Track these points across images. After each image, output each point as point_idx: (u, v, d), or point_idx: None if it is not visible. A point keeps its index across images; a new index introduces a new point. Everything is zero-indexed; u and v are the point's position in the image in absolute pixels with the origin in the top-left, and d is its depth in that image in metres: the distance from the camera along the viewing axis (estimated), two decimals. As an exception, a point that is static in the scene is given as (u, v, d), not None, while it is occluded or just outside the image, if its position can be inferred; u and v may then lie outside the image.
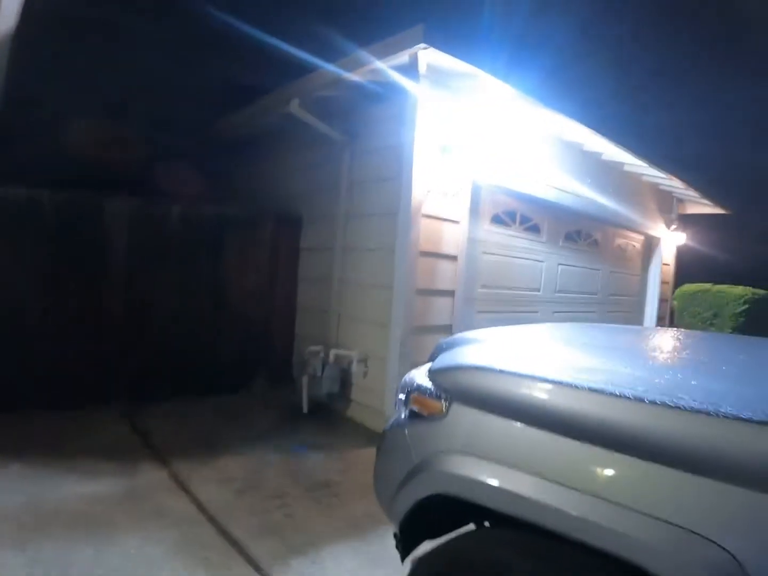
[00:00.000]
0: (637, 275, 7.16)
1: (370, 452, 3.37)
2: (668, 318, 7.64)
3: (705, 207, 7.59)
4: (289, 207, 4.95)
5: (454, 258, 3.97)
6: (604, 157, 5.51)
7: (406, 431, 1.55)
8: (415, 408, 1.55)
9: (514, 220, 4.80)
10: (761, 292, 7.58)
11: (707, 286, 7.76)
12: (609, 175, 5.78)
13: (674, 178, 6.04)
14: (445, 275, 3.94)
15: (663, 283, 7.36)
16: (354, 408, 4.14)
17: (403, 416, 1.62)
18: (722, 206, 7.42)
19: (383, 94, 3.82)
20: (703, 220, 8.28)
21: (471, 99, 3.88)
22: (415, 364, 3.75)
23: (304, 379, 4.11)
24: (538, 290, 5.21)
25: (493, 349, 1.65)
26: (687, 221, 7.75)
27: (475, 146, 3.89)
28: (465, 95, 3.85)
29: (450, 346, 1.83)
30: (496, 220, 4.58)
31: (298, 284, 4.99)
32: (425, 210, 3.68)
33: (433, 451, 1.40)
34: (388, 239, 3.79)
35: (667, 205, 7.22)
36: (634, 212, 6.39)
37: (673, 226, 7.30)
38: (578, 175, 5.22)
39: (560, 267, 5.46)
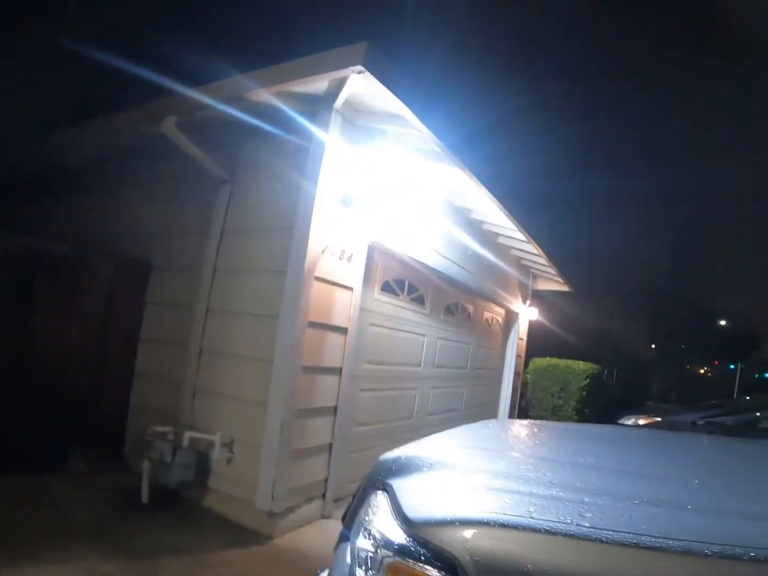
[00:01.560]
0: (497, 349, 7.39)
1: (240, 554, 2.66)
2: (520, 391, 8.00)
3: (554, 284, 8.30)
4: (137, 250, 3.94)
5: (344, 330, 3.40)
6: (485, 227, 5.59)
7: None
8: None
9: (402, 290, 4.45)
10: (596, 366, 8.43)
11: (556, 360, 8.40)
12: (485, 247, 5.84)
13: (541, 255, 6.39)
14: (334, 350, 3.33)
15: (518, 356, 7.72)
16: (213, 497, 3.20)
17: None
18: (568, 284, 8.18)
19: (285, 125, 3.20)
20: (551, 295, 9.11)
21: (379, 146, 3.46)
22: (299, 452, 3.11)
23: (145, 464, 3.08)
24: (419, 365, 4.88)
25: (484, 482, 1.30)
26: (537, 297, 8.38)
27: (375, 202, 3.45)
28: (375, 141, 3.44)
29: (405, 471, 1.45)
30: (386, 288, 4.18)
31: (139, 345, 3.92)
32: (319, 272, 3.09)
33: None
34: (271, 303, 3.09)
35: (524, 281, 7.70)
36: (501, 286, 6.62)
37: (528, 302, 7.81)
38: (463, 246, 5.15)
39: (439, 341, 5.25)
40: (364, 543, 1.21)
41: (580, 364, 8.26)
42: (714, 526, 1.05)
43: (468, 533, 1.03)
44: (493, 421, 2.58)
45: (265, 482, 2.93)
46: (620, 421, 7.67)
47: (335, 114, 3.08)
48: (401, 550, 1.09)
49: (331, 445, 3.36)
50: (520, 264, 7.32)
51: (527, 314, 7.76)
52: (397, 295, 4.36)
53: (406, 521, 1.13)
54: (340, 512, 3.48)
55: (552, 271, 7.35)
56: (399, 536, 1.11)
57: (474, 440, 1.91)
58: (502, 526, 1.02)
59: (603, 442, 2.24)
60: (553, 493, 1.20)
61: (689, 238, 25.79)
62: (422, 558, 1.06)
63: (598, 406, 8.42)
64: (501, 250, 6.46)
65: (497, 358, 7.38)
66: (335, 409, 3.37)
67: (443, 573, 1.01)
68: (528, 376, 8.40)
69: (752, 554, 0.88)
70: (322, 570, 1.53)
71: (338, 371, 3.38)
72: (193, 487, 3.22)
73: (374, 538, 1.17)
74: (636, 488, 1.33)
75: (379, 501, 1.32)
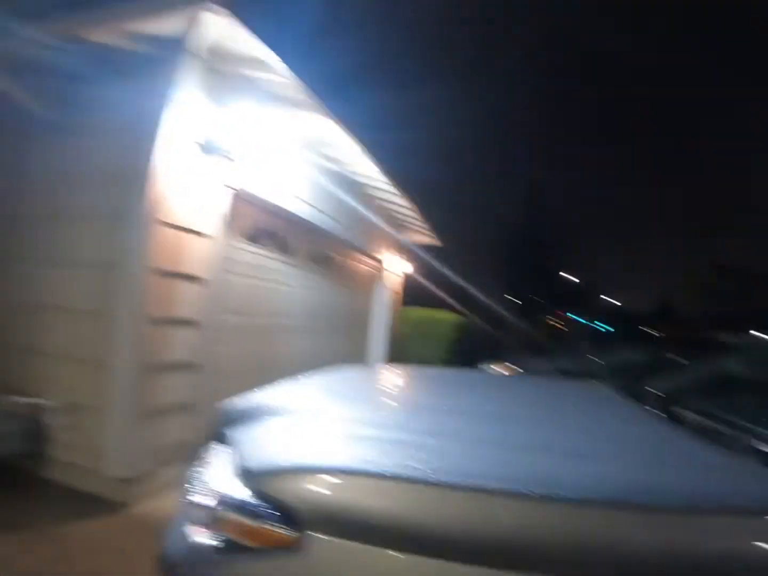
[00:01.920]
0: (368, 300, 7.57)
1: (90, 526, 2.44)
2: (391, 341, 8.33)
3: (424, 237, 8.64)
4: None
5: (201, 280, 3.19)
6: (355, 178, 5.55)
7: (227, 572, 1.03)
8: (235, 537, 1.03)
9: (268, 239, 4.29)
10: (461, 317, 9.01)
11: (426, 312, 8.76)
12: (354, 197, 5.82)
13: (414, 209, 6.56)
14: (190, 300, 3.12)
15: (388, 308, 8.00)
16: (59, 468, 2.88)
17: (206, 543, 1.06)
18: (437, 238, 8.57)
19: (131, 60, 2.82)
20: (422, 250, 9.50)
21: (245, 94, 3.22)
22: (150, 413, 2.91)
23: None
24: (288, 318, 4.82)
25: (328, 429, 1.30)
26: (408, 251, 8.67)
27: (239, 150, 3.23)
28: (240, 88, 3.19)
29: (246, 419, 1.39)
30: (251, 237, 3.99)
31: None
32: (168, 216, 2.82)
33: None
34: (109, 250, 2.78)
35: (396, 234, 7.88)
36: (373, 238, 6.72)
37: (399, 255, 8.06)
38: (332, 196, 5.08)
39: (308, 292, 5.21)
40: (200, 499, 1.16)
41: (449, 316, 8.67)
42: (540, 465, 1.11)
43: (305, 482, 1.00)
44: (347, 367, 2.52)
45: (115, 447, 2.72)
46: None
47: (192, 57, 2.82)
48: (237, 505, 1.04)
49: (192, 404, 3.20)
50: (391, 217, 7.44)
51: (398, 267, 8.03)
52: (262, 244, 4.20)
53: (243, 473, 1.08)
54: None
55: (422, 225, 7.62)
56: (236, 489, 1.06)
57: (324, 386, 1.89)
58: (340, 473, 1.01)
59: (453, 385, 2.32)
60: (398, 436, 1.21)
61: (546, 203, 28.61)
62: (259, 511, 1.01)
63: (466, 357, 8.98)
64: (371, 201, 6.49)
65: (368, 309, 7.57)
66: (194, 364, 3.20)
67: (281, 525, 0.98)
68: (398, 327, 8.72)
69: (570, 496, 0.93)
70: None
71: (196, 323, 3.19)
72: (34, 457, 2.87)
73: (210, 492, 1.12)
74: (474, 428, 1.39)
75: (218, 453, 1.27)
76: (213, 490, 1.11)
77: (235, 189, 3.36)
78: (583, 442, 1.34)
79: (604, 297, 30.95)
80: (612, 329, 25.11)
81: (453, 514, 0.93)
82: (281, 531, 0.98)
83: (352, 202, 5.62)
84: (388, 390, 2.05)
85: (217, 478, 1.14)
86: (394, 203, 6.63)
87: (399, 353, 8.77)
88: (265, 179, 3.75)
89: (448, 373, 3.00)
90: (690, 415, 1.67)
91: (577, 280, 27.81)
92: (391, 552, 0.91)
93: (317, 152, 4.68)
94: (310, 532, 0.95)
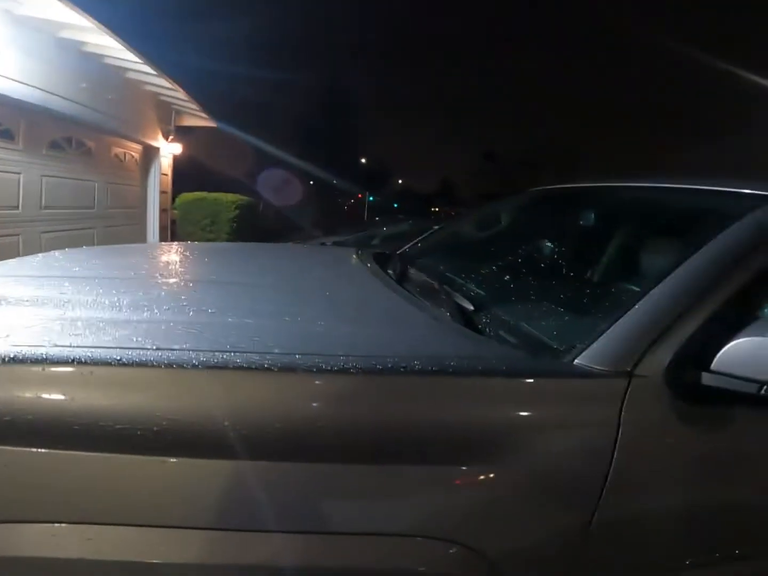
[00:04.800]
0: (136, 186, 7.09)
1: None
2: (169, 227, 8.05)
3: (199, 120, 8.14)
4: None
5: None
6: (106, 60, 4.96)
7: None
8: None
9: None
10: (246, 198, 8.83)
11: (204, 194, 8.33)
12: (109, 82, 5.29)
13: (179, 89, 6.15)
14: None
15: (162, 192, 7.60)
16: None
17: None
18: (211, 120, 8.13)
19: None
20: (198, 132, 8.93)
21: None
22: None
23: None
24: (17, 208, 4.38)
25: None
26: (183, 133, 8.12)
27: None
28: None
29: None
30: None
31: None
32: None
33: None
34: None
35: (166, 117, 7.32)
36: (133, 121, 6.17)
37: (171, 137, 7.53)
38: (71, 78, 4.52)
39: (45, 179, 4.73)
40: None
41: (229, 196, 8.26)
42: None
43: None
44: (62, 251, 2.08)
45: None
46: None
47: None
48: None
49: None
50: (158, 100, 6.84)
51: (170, 149, 7.54)
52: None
53: None
54: None
55: (194, 106, 7.17)
56: None
57: (15, 269, 1.63)
58: (10, 361, 0.81)
59: (192, 255, 2.15)
60: (85, 314, 1.06)
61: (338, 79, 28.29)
62: None
63: (251, 238, 8.36)
64: (133, 85, 5.90)
65: (137, 195, 7.12)
66: None
67: None
68: (176, 212, 8.35)
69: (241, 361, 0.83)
70: None
71: None
72: None
73: None
74: (192, 297, 1.29)
75: None
76: None
77: None
78: (297, 305, 1.29)
79: (395, 179, 33.58)
80: (398, 207, 27.67)
81: (153, 396, 0.82)
82: None
83: (102, 86, 5.08)
84: (102, 267, 1.76)
85: None
86: (159, 86, 6.11)
87: (178, 239, 8.43)
88: None
89: (194, 246, 2.70)
90: (416, 274, 1.72)
91: (366, 161, 29.28)
92: (83, 453, 0.78)
93: (52, 34, 4.06)
94: None
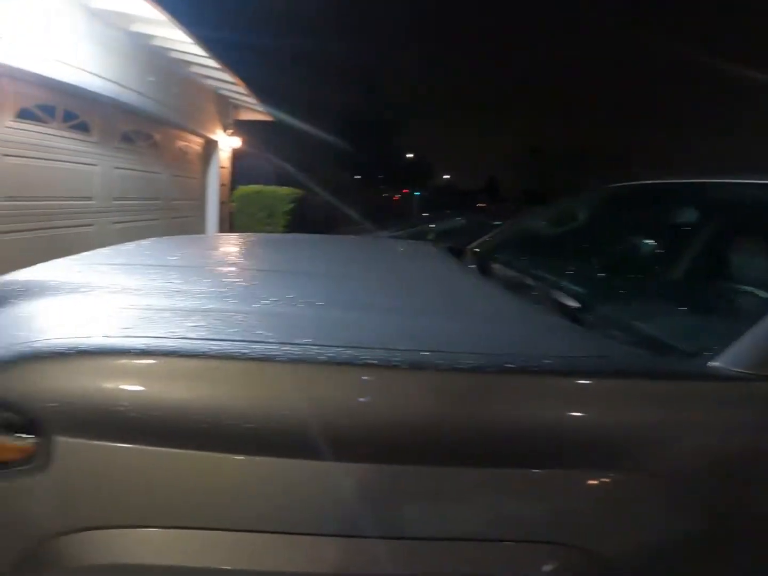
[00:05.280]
0: (197, 178, 7.25)
1: None
2: (228, 220, 8.20)
3: (256, 114, 8.24)
4: None
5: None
6: (172, 54, 5.06)
7: None
8: None
9: (53, 116, 3.83)
10: (300, 191, 8.88)
11: (260, 187, 8.45)
12: (174, 76, 5.41)
13: (240, 83, 6.21)
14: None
15: (221, 185, 7.76)
16: None
17: None
18: (270, 114, 8.22)
19: None
20: (255, 126, 9.04)
21: None
22: None
23: None
24: (91, 199, 4.51)
25: (83, 300, 1.06)
26: (241, 126, 8.25)
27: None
28: None
29: None
30: (27, 115, 3.54)
31: None
32: None
33: (36, 536, 0.75)
34: None
35: (224, 110, 7.45)
36: (195, 115, 6.28)
37: (230, 131, 7.66)
38: (140, 71, 4.62)
39: (117, 171, 4.86)
40: None
41: (284, 189, 8.38)
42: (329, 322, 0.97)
43: (37, 372, 0.76)
44: (151, 239, 2.11)
45: None
46: None
47: None
48: None
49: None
50: (218, 94, 6.95)
51: (229, 143, 7.66)
52: (45, 122, 3.75)
53: None
54: None
55: (252, 100, 7.26)
56: None
57: (107, 258, 1.59)
58: (84, 354, 0.76)
59: (274, 246, 2.13)
60: (173, 303, 1.01)
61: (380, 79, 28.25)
62: None
63: (305, 231, 8.80)
64: (195, 79, 6.02)
65: (198, 188, 7.28)
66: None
67: (13, 432, 0.74)
68: (234, 204, 8.49)
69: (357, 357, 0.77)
70: None
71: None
72: None
73: None
74: (275, 288, 1.23)
75: None
76: None
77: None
78: (398, 298, 1.24)
79: (440, 174, 33.29)
80: (442, 202, 27.45)
81: (243, 394, 0.76)
82: (13, 439, 0.74)
83: (169, 79, 5.20)
84: (187, 257, 1.73)
85: None
86: (220, 80, 6.20)
87: (236, 231, 8.64)
88: (49, 55, 3.36)
89: (267, 237, 2.71)
90: (501, 270, 1.67)
91: (411, 156, 29.08)
92: (167, 450, 0.73)
93: (124, 29, 4.17)
94: (55, 437, 0.73)
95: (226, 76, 5.97)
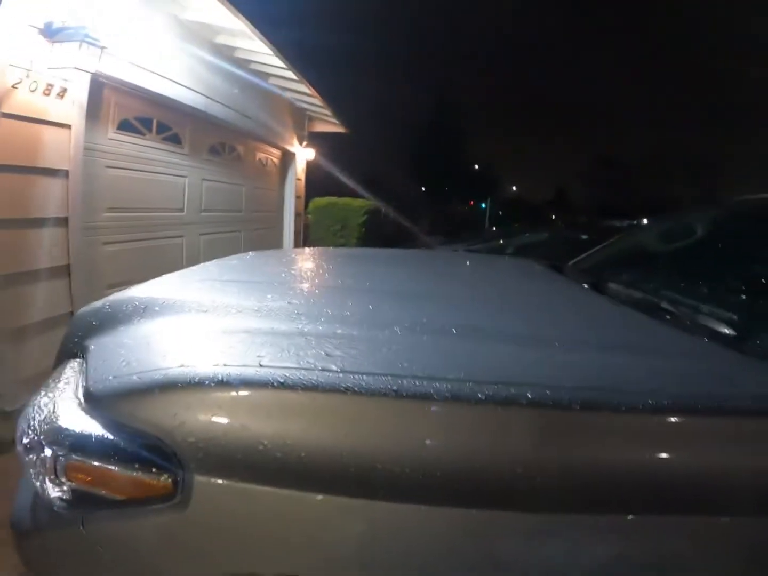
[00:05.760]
0: (275, 190, 7.30)
1: None
2: (303, 232, 8.23)
3: (331, 126, 8.26)
4: None
5: (62, 173, 2.87)
6: (252, 66, 5.13)
7: (86, 534, 0.74)
8: (91, 488, 0.75)
9: (150, 128, 3.89)
10: (372, 203, 8.83)
11: (335, 199, 8.47)
12: (254, 88, 5.47)
13: (317, 96, 6.20)
14: (51, 196, 2.82)
15: (297, 197, 7.79)
16: None
17: (55, 499, 0.76)
18: (344, 125, 8.20)
19: None
20: (328, 137, 9.07)
21: None
22: (18, 332, 2.65)
23: None
24: (182, 210, 4.56)
25: (208, 322, 1.00)
26: (315, 138, 8.29)
27: (101, 29, 2.75)
28: None
29: (108, 324, 1.05)
30: (126, 126, 3.60)
31: None
32: (10, 107, 2.44)
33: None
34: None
35: (300, 122, 7.49)
36: (273, 127, 6.32)
37: (305, 143, 7.69)
38: (225, 83, 4.67)
39: (205, 183, 4.91)
40: (41, 438, 0.81)
41: (358, 201, 8.41)
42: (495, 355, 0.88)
43: (176, 403, 0.71)
44: (252, 253, 2.12)
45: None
46: None
47: None
48: (80, 441, 0.74)
49: (71, 313, 3.03)
50: (294, 105, 7.01)
51: (304, 155, 7.68)
52: (142, 134, 3.81)
53: (87, 396, 0.79)
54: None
55: (327, 112, 7.25)
56: (78, 420, 0.77)
57: (216, 274, 1.55)
58: (221, 385, 0.71)
59: (373, 262, 2.05)
60: (299, 327, 0.95)
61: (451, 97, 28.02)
62: (114, 449, 0.72)
63: (378, 243, 8.61)
64: (272, 90, 6.08)
65: (275, 200, 7.33)
66: (68, 268, 2.99)
67: (151, 468, 0.70)
68: (309, 216, 8.54)
69: (530, 396, 0.70)
70: None
71: (63, 221, 2.92)
72: None
73: (51, 427, 0.78)
74: (399, 312, 1.12)
75: (70, 372, 0.94)
76: (53, 424, 0.79)
77: (97, 73, 2.92)
78: (537, 326, 1.11)
79: (508, 186, 32.44)
80: (513, 214, 26.66)
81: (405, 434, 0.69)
82: (151, 475, 0.70)
83: (252, 92, 5.27)
84: (294, 273, 1.70)
85: (61, 406, 0.82)
86: (296, 92, 6.23)
87: (311, 243, 8.69)
88: (143, 65, 3.37)
89: (366, 252, 2.57)
90: (626, 291, 1.52)
91: (478, 168, 28.50)
92: (314, 495, 0.67)
93: (209, 40, 4.26)
94: (193, 475, 0.69)
95: (303, 88, 5.97)
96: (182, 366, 0.78)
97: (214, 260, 1.82)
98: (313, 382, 0.72)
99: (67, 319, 2.91)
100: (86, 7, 2.61)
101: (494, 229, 12.31)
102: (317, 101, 6.58)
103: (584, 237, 5.57)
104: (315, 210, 8.50)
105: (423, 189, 21.34)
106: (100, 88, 3.12)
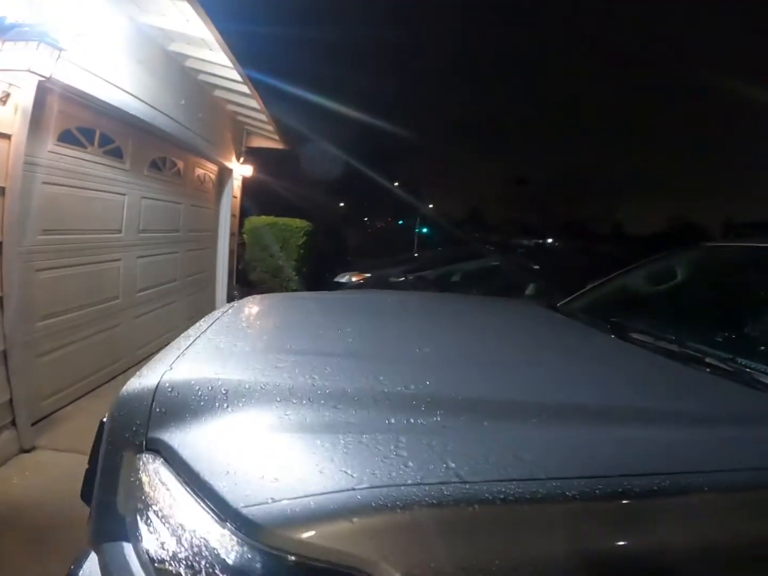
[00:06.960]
0: (211, 208, 6.83)
1: None
2: (236, 251, 7.75)
3: (270, 141, 7.92)
4: None
5: (-1, 191, 2.42)
6: (200, 77, 4.77)
7: None
8: None
9: (92, 140, 3.44)
10: (311, 224, 8.41)
11: (273, 219, 7.99)
12: (199, 100, 5.10)
13: (264, 111, 5.93)
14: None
15: (232, 216, 7.35)
16: None
17: None
18: (283, 141, 7.89)
19: None
20: (266, 154, 8.71)
21: None
22: None
23: None
24: (120, 231, 4.07)
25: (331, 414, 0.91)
26: (252, 154, 7.89)
27: (59, 28, 2.37)
28: None
29: (183, 413, 0.88)
30: (68, 138, 3.15)
31: None
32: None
33: None
34: None
35: (239, 137, 7.14)
36: (214, 141, 5.94)
37: (242, 159, 7.32)
38: (171, 93, 4.29)
39: (144, 201, 4.43)
40: (157, 548, 0.71)
41: (297, 222, 7.93)
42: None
43: (375, 529, 0.61)
44: (252, 298, 2.01)
45: None
46: (337, 279, 7.96)
47: None
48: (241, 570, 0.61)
49: (4, 352, 2.54)
50: (235, 120, 6.67)
51: (241, 171, 7.30)
52: (84, 147, 3.36)
53: (240, 522, 0.64)
54: (49, 438, 2.81)
55: (268, 127, 6.99)
56: (232, 547, 0.63)
57: (277, 341, 1.35)
58: (417, 507, 0.62)
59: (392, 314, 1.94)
60: (414, 420, 0.90)
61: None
62: None
63: (314, 264, 8.33)
64: (217, 103, 5.74)
65: (211, 218, 6.85)
66: (0, 301, 2.51)
67: None
68: (245, 236, 8.06)
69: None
70: (82, 559, 0.96)
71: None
72: None
73: (181, 543, 0.67)
74: (486, 387, 1.06)
75: (155, 473, 0.80)
76: (185, 535, 0.68)
77: (46, 77, 2.49)
78: (622, 399, 1.05)
79: (433, 205, 33.54)
80: (428, 233, 27.37)
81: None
82: None
83: (197, 104, 4.90)
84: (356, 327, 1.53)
85: (178, 515, 0.70)
86: (241, 105, 5.91)
87: (248, 262, 8.17)
88: (90, 69, 2.95)
89: (364, 300, 2.35)
90: (650, 339, 1.49)
91: (405, 188, 29.17)
92: None
93: (161, 46, 3.85)
94: None
95: (251, 102, 5.69)
96: (371, 487, 0.65)
97: (225, 313, 1.60)
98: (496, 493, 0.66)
99: None
100: (46, 4, 2.23)
101: (432, 252, 12.34)
102: (262, 116, 6.30)
103: (535, 267, 5.82)
104: (251, 230, 8.02)
105: (349, 208, 21.37)
106: (45, 94, 2.68)
